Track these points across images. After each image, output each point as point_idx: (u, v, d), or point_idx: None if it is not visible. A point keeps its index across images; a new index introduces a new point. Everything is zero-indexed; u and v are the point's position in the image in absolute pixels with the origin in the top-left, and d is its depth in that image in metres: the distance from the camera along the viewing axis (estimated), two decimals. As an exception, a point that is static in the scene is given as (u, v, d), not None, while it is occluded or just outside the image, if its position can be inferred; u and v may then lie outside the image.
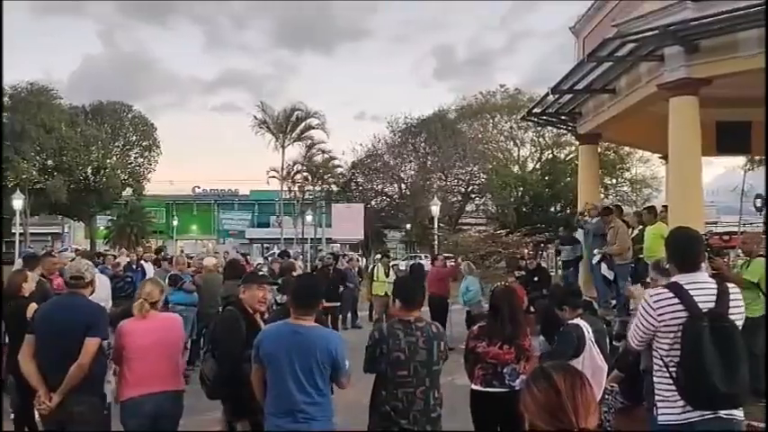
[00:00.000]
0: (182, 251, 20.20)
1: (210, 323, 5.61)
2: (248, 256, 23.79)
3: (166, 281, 9.36)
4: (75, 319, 3.99)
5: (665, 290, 3.27)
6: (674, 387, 3.15)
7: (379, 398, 3.78)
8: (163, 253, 15.68)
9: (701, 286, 3.23)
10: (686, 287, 3.20)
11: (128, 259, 13.54)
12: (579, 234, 12.11)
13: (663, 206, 10.58)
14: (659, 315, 3.20)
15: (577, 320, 4.79)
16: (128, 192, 45.48)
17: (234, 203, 64.00)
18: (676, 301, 3.17)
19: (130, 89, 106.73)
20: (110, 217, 46.69)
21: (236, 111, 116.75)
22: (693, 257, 3.35)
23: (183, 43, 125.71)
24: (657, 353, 3.26)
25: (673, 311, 3.17)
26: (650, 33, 8.50)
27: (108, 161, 42.97)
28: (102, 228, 48.36)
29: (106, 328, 4.15)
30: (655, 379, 3.30)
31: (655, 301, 3.24)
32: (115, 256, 14.08)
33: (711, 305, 3.16)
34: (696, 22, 8.24)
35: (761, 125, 12.75)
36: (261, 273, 4.84)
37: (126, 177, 44.48)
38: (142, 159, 45.77)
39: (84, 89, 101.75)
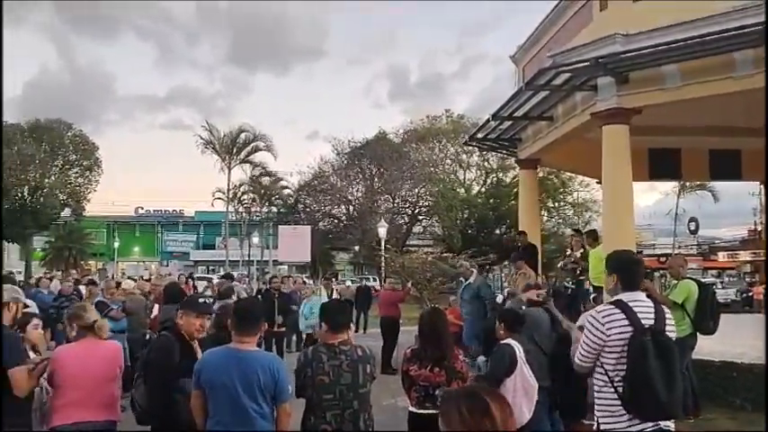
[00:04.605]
0: (113, 276, 19.59)
1: (138, 348, 5.41)
2: (192, 277, 23.28)
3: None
4: None
5: (612, 306, 3.44)
6: (618, 401, 3.30)
7: (308, 423, 3.77)
8: (103, 279, 15.22)
9: (642, 304, 3.43)
10: (630, 304, 3.39)
11: (60, 286, 12.99)
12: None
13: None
14: (608, 330, 3.35)
15: (509, 340, 4.94)
16: (66, 212, 44.03)
17: (178, 224, 62.76)
18: (623, 316, 3.35)
19: (79, 106, 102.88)
20: (47, 238, 45.09)
21: (183, 128, 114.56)
22: (636, 278, 3.56)
23: (133, 59, 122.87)
24: (603, 368, 3.40)
25: (620, 327, 3.33)
26: (582, 65, 8.86)
27: (46, 181, 41.42)
28: (38, 249, 46.64)
29: (18, 354, 3.97)
30: (597, 394, 3.45)
31: (603, 317, 3.39)
32: (51, 279, 13.61)
33: (651, 322, 3.35)
34: (625, 55, 8.65)
35: (690, 152, 13.41)
36: (203, 299, 4.68)
37: (65, 198, 43.04)
38: (82, 179, 44.38)
39: (29, 107, 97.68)
